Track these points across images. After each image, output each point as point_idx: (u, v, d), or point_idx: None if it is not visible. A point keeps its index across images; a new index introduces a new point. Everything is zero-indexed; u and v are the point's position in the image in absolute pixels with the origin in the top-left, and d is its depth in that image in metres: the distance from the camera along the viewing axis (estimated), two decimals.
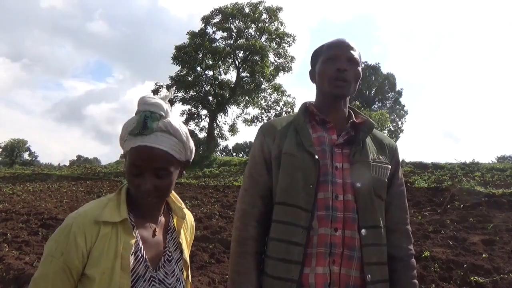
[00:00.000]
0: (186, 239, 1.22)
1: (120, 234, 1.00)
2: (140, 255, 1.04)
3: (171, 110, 1.04)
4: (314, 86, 1.40)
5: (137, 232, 1.05)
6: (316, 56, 1.38)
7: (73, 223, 0.98)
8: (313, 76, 1.39)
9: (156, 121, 0.98)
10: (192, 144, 1.07)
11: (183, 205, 1.22)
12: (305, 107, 1.36)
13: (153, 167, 0.99)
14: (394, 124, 43.11)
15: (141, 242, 1.05)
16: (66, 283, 0.97)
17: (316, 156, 1.21)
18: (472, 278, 3.82)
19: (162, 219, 1.15)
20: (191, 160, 1.11)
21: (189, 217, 1.28)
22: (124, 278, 0.98)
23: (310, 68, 1.42)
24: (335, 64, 1.27)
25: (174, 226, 1.19)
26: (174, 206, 1.20)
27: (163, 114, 1.00)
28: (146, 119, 0.97)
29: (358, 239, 1.17)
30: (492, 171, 12.53)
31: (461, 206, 7.27)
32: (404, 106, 46.77)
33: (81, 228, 0.97)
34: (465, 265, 4.15)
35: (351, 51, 1.29)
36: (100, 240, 0.98)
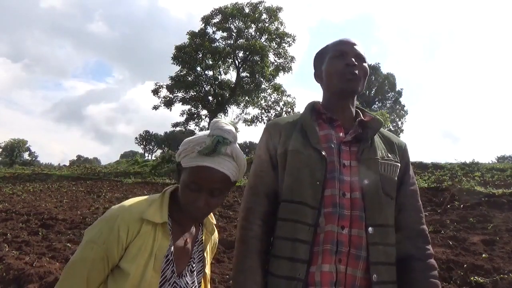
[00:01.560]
0: (209, 254, 1.27)
1: (158, 235, 1.05)
2: (171, 259, 1.08)
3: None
4: (313, 86, 1.41)
5: (171, 237, 1.09)
6: (321, 56, 1.37)
7: (118, 216, 1.03)
8: (319, 77, 1.37)
9: (226, 145, 1.06)
10: (245, 168, 1.15)
11: (214, 222, 1.28)
12: (312, 105, 1.35)
13: (211, 187, 1.06)
14: (394, 124, 43.18)
15: (173, 247, 1.09)
16: (101, 271, 1.01)
17: (323, 153, 1.19)
18: (472, 278, 3.82)
19: (193, 230, 1.20)
20: (238, 180, 1.17)
21: (215, 234, 1.32)
22: (154, 277, 1.02)
23: (314, 71, 1.41)
24: (343, 60, 1.26)
25: (202, 240, 1.23)
26: (206, 221, 1.25)
27: (232, 141, 1.08)
28: (218, 144, 1.04)
29: (365, 238, 1.14)
30: (492, 171, 12.52)
31: (461, 206, 7.27)
32: (404, 106, 46.91)
33: (126, 222, 1.02)
34: (465, 265, 4.15)
35: (357, 48, 1.29)
36: (140, 237, 1.02)
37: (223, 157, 1.06)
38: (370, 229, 1.14)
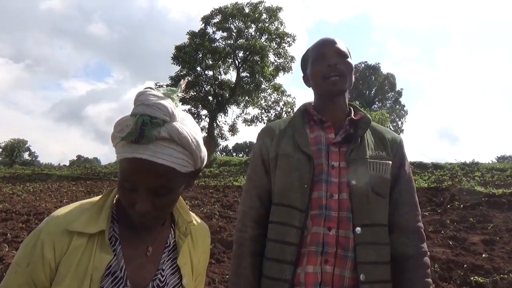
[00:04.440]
0: (192, 260, 0.99)
1: (95, 248, 0.82)
2: (120, 276, 0.84)
3: (178, 106, 0.83)
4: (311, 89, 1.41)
5: (119, 247, 0.86)
6: (305, 60, 1.39)
7: (42, 229, 0.82)
8: (307, 80, 1.39)
9: (158, 127, 0.75)
10: (204, 151, 0.85)
11: (191, 218, 1.01)
12: (304, 108, 1.37)
13: (151, 185, 0.79)
14: (394, 124, 43.17)
15: (123, 260, 0.85)
16: None
17: (311, 156, 1.21)
18: (472, 278, 3.82)
19: (161, 232, 0.95)
20: (202, 168, 0.90)
21: (201, 231, 1.05)
22: None
23: (302, 75, 1.42)
24: (324, 61, 1.27)
25: (175, 244, 0.97)
26: (179, 218, 0.98)
27: (168, 119, 0.77)
28: (144, 126, 0.74)
29: (352, 239, 1.15)
30: (492, 171, 12.55)
31: (461, 206, 7.27)
32: (404, 106, 46.89)
33: (50, 236, 0.81)
34: (465, 265, 4.15)
35: (337, 45, 1.29)
36: (71, 254, 0.80)
37: (160, 142, 0.76)
38: (357, 229, 1.15)
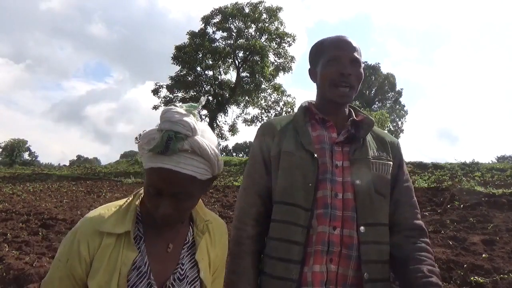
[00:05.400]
0: (209, 256, 1.08)
1: (123, 246, 0.94)
2: (144, 270, 0.96)
3: (198, 121, 0.94)
4: (312, 87, 1.39)
5: (143, 245, 0.98)
6: (316, 54, 1.34)
7: (78, 229, 0.96)
8: (313, 75, 1.36)
9: (181, 141, 0.87)
10: (221, 160, 0.97)
11: (208, 216, 1.12)
12: (306, 106, 1.35)
13: (173, 191, 0.91)
14: (394, 124, 43.14)
15: (147, 257, 0.97)
16: None
17: (315, 155, 1.20)
18: (472, 278, 3.81)
19: (180, 230, 1.06)
20: (218, 174, 1.01)
21: (219, 228, 1.14)
22: None
23: (309, 67, 1.38)
24: (337, 67, 1.24)
25: (193, 240, 1.07)
26: (197, 217, 1.09)
27: (190, 134, 0.89)
28: (170, 140, 0.86)
29: (356, 238, 1.15)
30: (492, 171, 12.54)
31: (461, 206, 7.27)
32: (404, 106, 46.86)
33: (85, 235, 0.94)
34: (465, 265, 4.15)
35: (354, 52, 1.26)
36: (102, 251, 0.93)
37: (182, 154, 0.88)
38: (361, 228, 1.16)
